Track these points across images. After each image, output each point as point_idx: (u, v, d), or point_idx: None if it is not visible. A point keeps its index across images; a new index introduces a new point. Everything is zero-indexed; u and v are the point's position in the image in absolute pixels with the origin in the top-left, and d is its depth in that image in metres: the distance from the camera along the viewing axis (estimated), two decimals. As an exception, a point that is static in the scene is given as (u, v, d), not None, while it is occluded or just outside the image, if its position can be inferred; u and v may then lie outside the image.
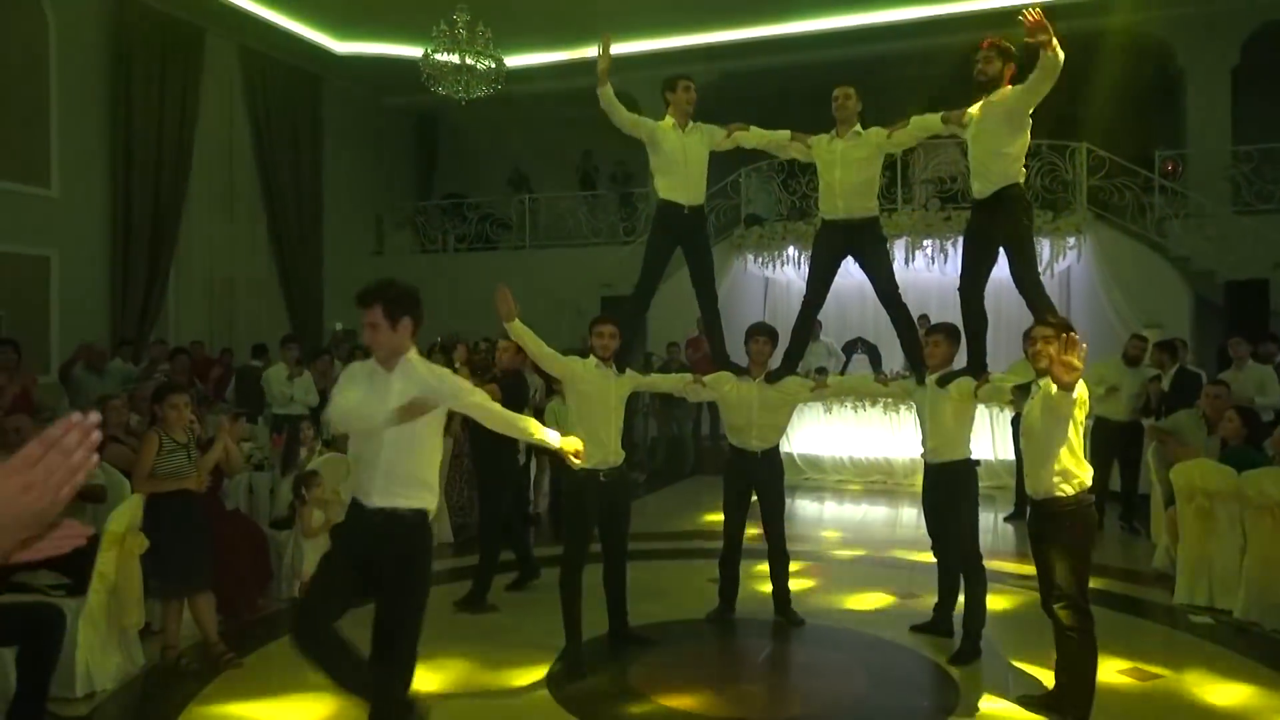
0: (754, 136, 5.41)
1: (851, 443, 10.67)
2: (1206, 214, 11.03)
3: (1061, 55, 4.16)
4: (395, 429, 3.16)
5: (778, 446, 5.47)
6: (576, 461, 3.95)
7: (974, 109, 4.79)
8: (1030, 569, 4.44)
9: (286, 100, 13.43)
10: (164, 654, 4.65)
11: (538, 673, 4.57)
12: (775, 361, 5.43)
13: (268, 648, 4.88)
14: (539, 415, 7.79)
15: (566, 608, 4.75)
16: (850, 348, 11.46)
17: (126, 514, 4.48)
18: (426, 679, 4.29)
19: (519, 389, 5.99)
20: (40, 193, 10.24)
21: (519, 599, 5.87)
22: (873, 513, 9.15)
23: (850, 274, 5.69)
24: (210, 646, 4.68)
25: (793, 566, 5.48)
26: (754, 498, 5.41)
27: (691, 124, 5.31)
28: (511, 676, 4.58)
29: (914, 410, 5.51)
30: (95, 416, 1.01)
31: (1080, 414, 3.80)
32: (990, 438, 9.65)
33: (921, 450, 5.12)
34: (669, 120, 5.28)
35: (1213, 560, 5.64)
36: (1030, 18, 4.04)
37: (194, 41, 11.87)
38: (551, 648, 4.78)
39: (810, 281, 5.50)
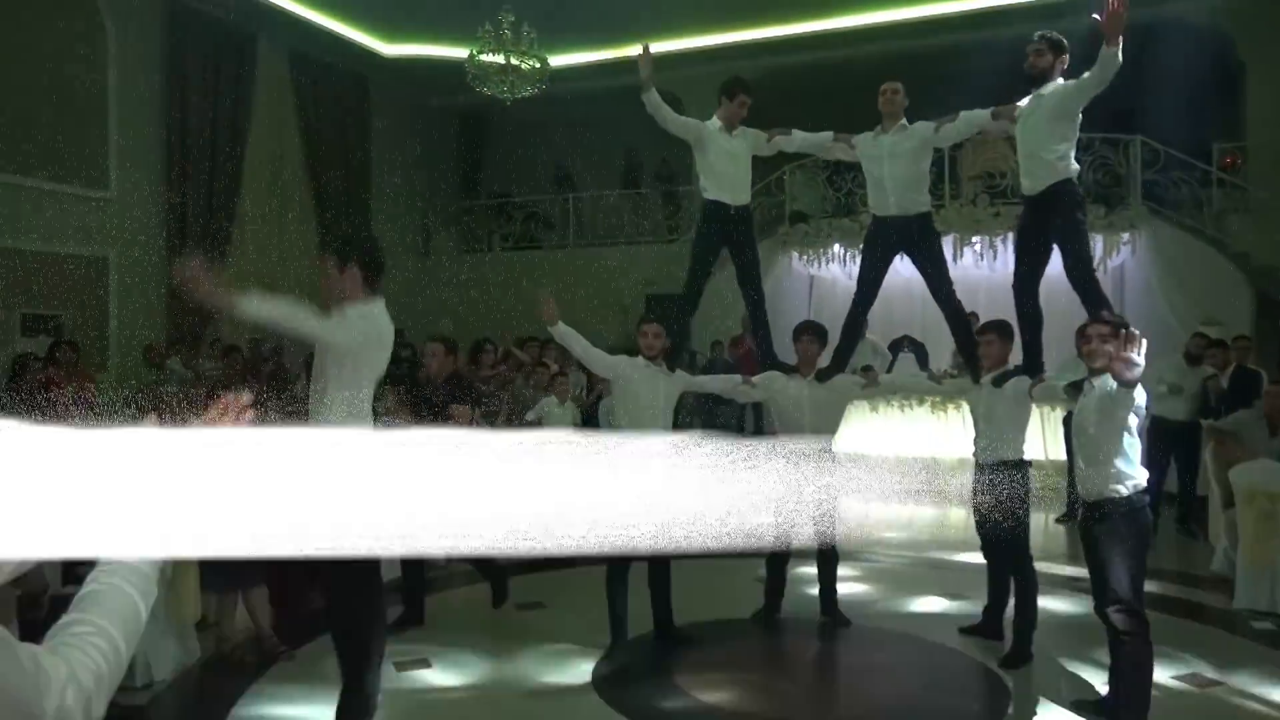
0: (795, 141, 5.37)
1: (899, 442, 10.56)
2: (1268, 208, 10.71)
3: (1120, 57, 4.07)
4: None
5: (829, 447, 5.40)
6: None
7: (1024, 103, 4.70)
8: (1083, 571, 4.35)
9: (335, 101, 13.66)
10: (218, 646, 4.76)
11: (583, 671, 4.59)
12: (823, 361, 5.38)
13: (319, 641, 4.96)
14: (592, 415, 7.79)
15: (612, 606, 4.76)
16: (896, 346, 11.30)
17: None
18: (473, 676, 4.34)
19: (464, 396, 5.51)
20: (98, 195, 10.53)
21: (566, 598, 5.89)
22: (920, 513, 9.04)
23: (897, 271, 5.62)
24: (263, 639, 4.78)
25: (840, 567, 5.44)
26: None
27: (739, 128, 5.29)
28: (557, 675, 4.60)
29: (963, 409, 5.43)
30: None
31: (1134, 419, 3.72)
32: (1041, 437, 9.49)
33: (972, 450, 5.05)
34: (716, 122, 5.27)
35: (1274, 563, 5.49)
36: (1116, 4, 3.96)
37: (246, 46, 12.13)
38: (597, 646, 4.80)
39: (861, 279, 5.44)
